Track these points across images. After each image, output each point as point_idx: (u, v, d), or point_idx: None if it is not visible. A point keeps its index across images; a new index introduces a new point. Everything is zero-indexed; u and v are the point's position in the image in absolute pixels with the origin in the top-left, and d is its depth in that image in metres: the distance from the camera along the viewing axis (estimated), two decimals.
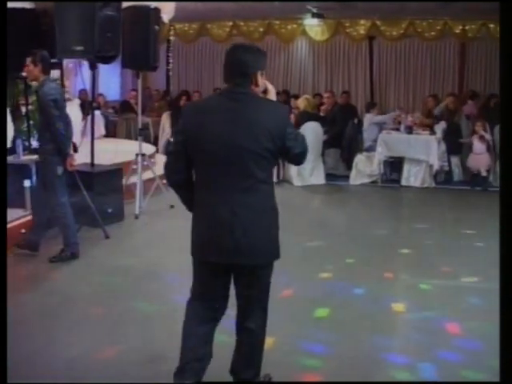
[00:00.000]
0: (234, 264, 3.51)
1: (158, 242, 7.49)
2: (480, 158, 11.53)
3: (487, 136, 11.53)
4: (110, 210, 7.99)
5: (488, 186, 11.40)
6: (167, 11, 11.43)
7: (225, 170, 3.40)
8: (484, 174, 11.54)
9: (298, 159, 3.60)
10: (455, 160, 12.35)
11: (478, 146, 11.54)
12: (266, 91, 3.65)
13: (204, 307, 3.72)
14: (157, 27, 8.57)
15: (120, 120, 14.85)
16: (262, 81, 3.54)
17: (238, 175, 3.39)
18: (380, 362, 4.43)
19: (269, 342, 4.58)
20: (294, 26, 16.09)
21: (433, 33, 15.66)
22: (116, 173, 8.40)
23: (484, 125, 11.65)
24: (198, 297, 3.74)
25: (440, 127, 12.24)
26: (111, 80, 17.02)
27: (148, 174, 9.28)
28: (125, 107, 15.12)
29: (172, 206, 8.99)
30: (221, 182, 3.42)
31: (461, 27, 15.43)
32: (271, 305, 5.44)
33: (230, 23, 16.28)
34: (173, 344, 4.62)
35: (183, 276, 6.21)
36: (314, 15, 14.91)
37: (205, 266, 3.60)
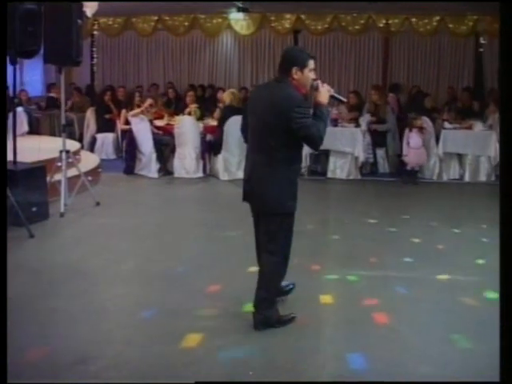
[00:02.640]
0: (252, 206, 4.84)
1: (84, 240, 7.37)
2: (418, 153, 11.43)
3: (429, 129, 11.62)
4: (34, 209, 7.82)
5: (417, 179, 11.59)
6: (91, 5, 11.25)
7: (254, 136, 4.74)
8: (417, 168, 11.64)
9: (307, 142, 4.63)
10: (380, 152, 12.55)
11: (416, 140, 11.39)
12: (317, 89, 4.68)
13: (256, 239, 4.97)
14: (79, 21, 8.40)
15: (44, 116, 14.55)
16: (306, 76, 4.61)
17: (259, 141, 4.66)
18: (309, 353, 4.46)
19: (197, 338, 4.61)
20: (220, 20, 16.11)
21: (357, 27, 15.93)
22: (39, 170, 8.20)
23: (421, 118, 11.58)
24: None
25: (365, 120, 12.40)
26: (33, 75, 16.69)
27: (73, 171, 9.12)
28: (50, 103, 14.84)
29: (98, 204, 8.88)
30: (252, 145, 4.79)
31: (384, 21, 15.75)
32: (198, 300, 5.47)
33: (155, 17, 16.19)
34: (100, 344, 4.58)
35: (109, 275, 6.17)
36: (240, 9, 14.93)
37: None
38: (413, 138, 11.43)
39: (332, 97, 4.77)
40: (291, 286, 5.33)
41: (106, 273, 6.21)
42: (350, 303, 5.44)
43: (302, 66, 4.58)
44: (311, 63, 4.64)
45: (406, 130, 11.60)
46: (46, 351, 4.42)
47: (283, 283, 5.17)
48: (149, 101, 12.55)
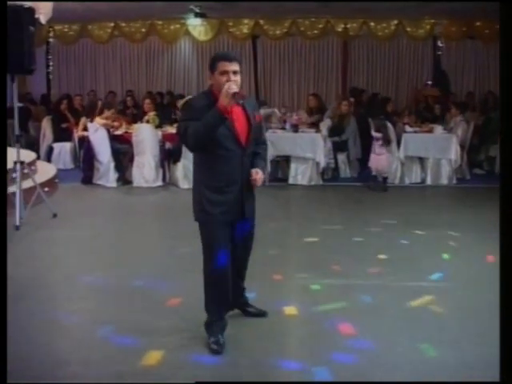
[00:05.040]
0: None
1: (40, 254, 7.15)
2: (380, 158, 11.25)
3: (391, 133, 11.50)
4: None
5: (387, 185, 11.42)
6: (44, 12, 11.00)
7: None
8: (385, 175, 11.43)
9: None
10: (341, 157, 12.50)
11: (378, 146, 11.23)
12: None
13: None
14: (32, 28, 8.21)
15: None
16: (217, 79, 4.34)
17: None
18: (274, 368, 4.33)
19: (157, 355, 4.44)
20: (177, 26, 15.98)
21: (315, 31, 15.94)
22: None
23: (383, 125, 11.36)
24: None
25: (325, 125, 12.35)
26: None
27: (28, 183, 8.89)
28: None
29: (55, 215, 8.65)
30: None
31: (342, 26, 15.79)
32: (158, 314, 5.28)
33: (112, 24, 15.97)
34: (56, 364, 4.39)
35: (66, 290, 5.97)
36: (197, 15, 14.81)
37: None
38: (375, 144, 11.29)
39: (234, 95, 4.20)
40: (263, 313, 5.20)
41: (62, 288, 6.03)
42: (314, 314, 5.31)
43: (213, 70, 4.40)
44: (220, 65, 4.33)
45: (373, 142, 11.36)
46: None
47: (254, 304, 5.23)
48: (112, 110, 12.32)
